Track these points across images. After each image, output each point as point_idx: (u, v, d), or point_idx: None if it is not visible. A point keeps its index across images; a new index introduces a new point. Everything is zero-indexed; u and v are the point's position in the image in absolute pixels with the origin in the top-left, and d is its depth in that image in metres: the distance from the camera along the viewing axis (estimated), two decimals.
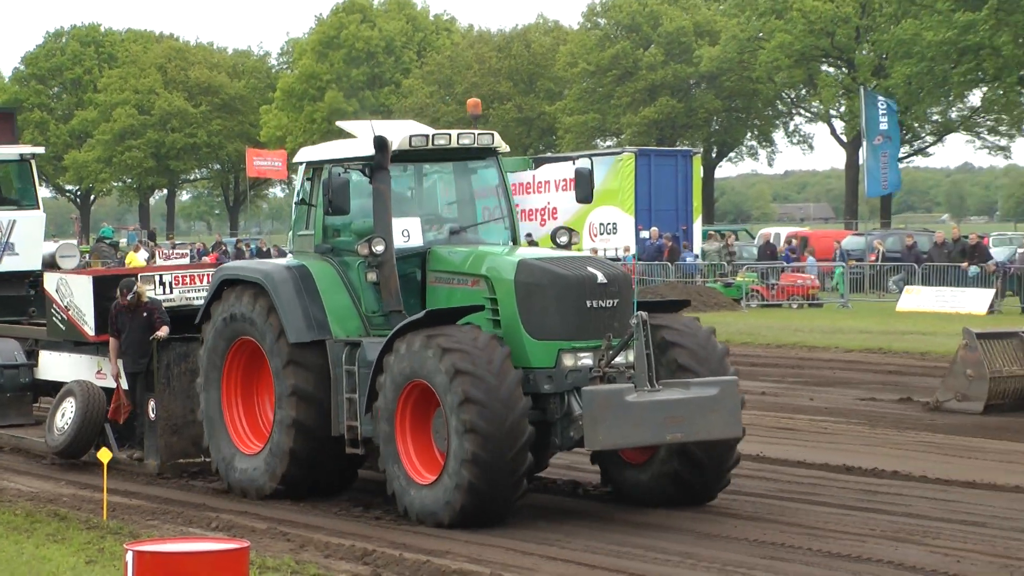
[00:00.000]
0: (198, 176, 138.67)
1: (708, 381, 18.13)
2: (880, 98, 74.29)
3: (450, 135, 19.86)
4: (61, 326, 24.08)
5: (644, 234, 59.56)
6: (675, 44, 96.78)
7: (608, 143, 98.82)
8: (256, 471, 20.15)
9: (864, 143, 77.11)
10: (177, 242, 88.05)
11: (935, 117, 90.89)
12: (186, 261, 67.68)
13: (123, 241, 69.84)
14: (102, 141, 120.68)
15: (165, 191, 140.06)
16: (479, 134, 20.01)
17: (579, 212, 69.52)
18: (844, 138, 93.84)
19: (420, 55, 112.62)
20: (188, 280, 23.81)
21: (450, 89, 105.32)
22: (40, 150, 31.60)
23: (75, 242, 54.03)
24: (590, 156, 73.63)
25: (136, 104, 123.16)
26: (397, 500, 18.30)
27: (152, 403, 22.13)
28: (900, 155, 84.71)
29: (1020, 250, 55.88)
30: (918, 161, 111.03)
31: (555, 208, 70.98)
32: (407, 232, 19.67)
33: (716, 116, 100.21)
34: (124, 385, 22.80)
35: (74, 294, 23.67)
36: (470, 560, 16.81)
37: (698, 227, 63.22)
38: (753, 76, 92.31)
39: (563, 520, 18.52)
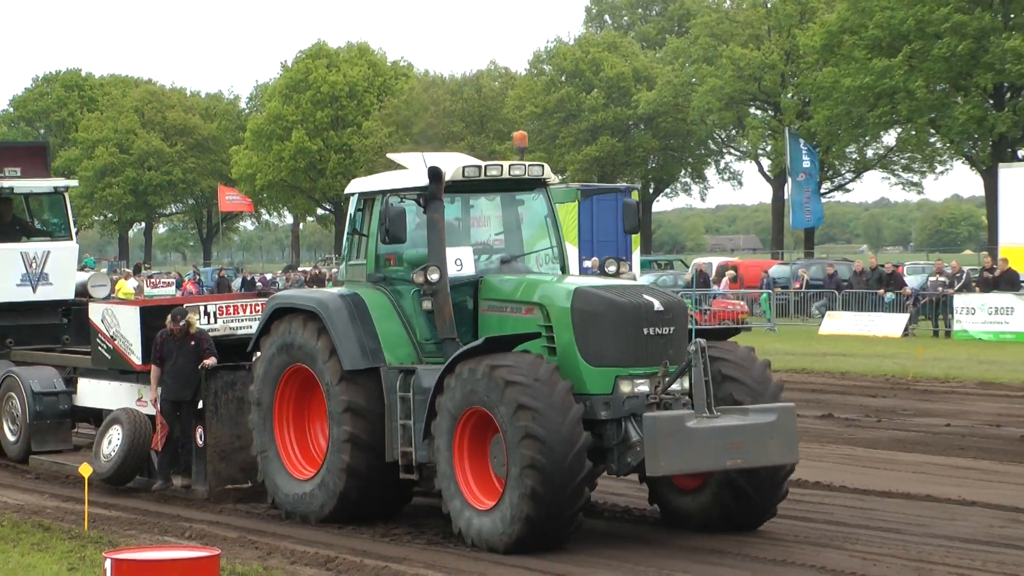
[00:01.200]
0: (174, 210, 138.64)
1: (765, 408, 17.30)
2: (802, 139, 74.63)
3: (502, 166, 19.09)
4: (107, 355, 23.12)
5: (586, 263, 59.66)
6: (615, 89, 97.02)
7: (554, 180, 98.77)
8: (309, 496, 19.15)
9: (789, 180, 77.53)
10: (153, 272, 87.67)
11: (853, 156, 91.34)
12: (172, 289, 67.54)
13: (103, 270, 69.40)
14: (84, 178, 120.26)
15: (143, 224, 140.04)
16: (530, 165, 19.29)
17: (527, 243, 69.80)
18: (770, 175, 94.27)
19: (380, 98, 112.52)
20: (232, 310, 22.96)
21: (408, 130, 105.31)
22: (74, 183, 30.59)
23: (106, 271, 53.81)
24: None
25: (116, 143, 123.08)
26: (452, 521, 17.38)
27: (200, 430, 21.21)
28: (822, 191, 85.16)
29: (932, 278, 56.11)
30: (838, 196, 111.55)
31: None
32: (460, 261, 18.76)
33: (653, 155, 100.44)
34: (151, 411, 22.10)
35: (120, 324, 22.78)
36: (425, 566, 16.83)
37: (637, 257, 63.30)
38: (687, 118, 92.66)
39: None
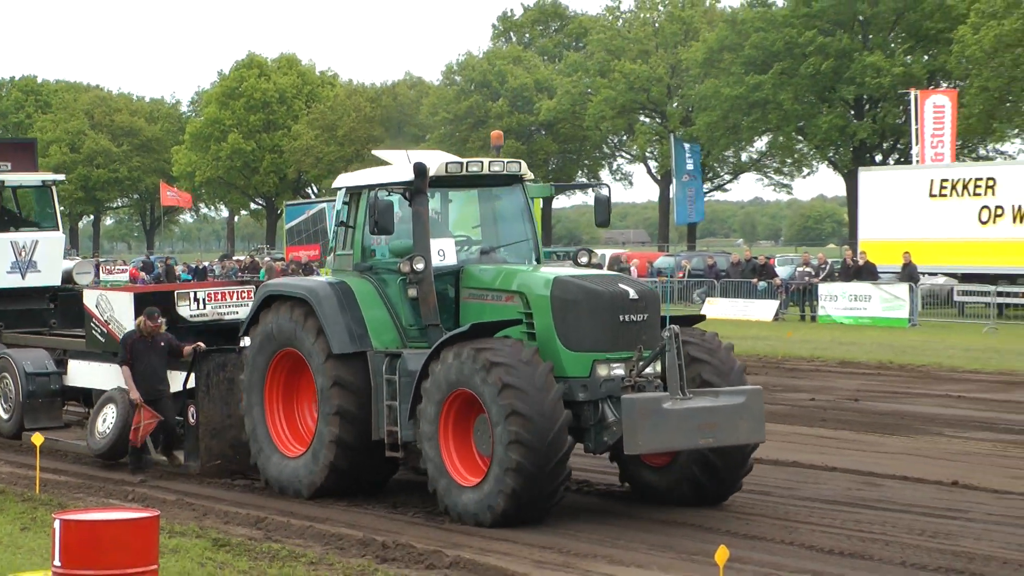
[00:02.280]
0: (120, 204, 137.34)
1: (735, 390, 16.75)
2: (686, 144, 75.01)
3: (482, 163, 18.39)
4: (100, 338, 22.42)
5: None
6: (519, 98, 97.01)
7: None
8: (298, 472, 18.48)
9: (673, 180, 78.05)
10: (101, 259, 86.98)
11: (731, 159, 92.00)
12: (125, 276, 66.96)
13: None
14: None
15: (92, 217, 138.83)
16: (508, 162, 18.61)
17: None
18: (657, 176, 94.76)
19: (308, 104, 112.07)
20: (220, 297, 22.21)
21: (332, 133, 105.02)
22: (61, 177, 30.00)
23: (91, 261, 53.07)
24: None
25: (68, 144, 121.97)
26: (438, 499, 16.77)
27: (192, 409, 20.44)
28: (703, 190, 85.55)
29: (799, 269, 56.51)
30: (717, 195, 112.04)
31: None
32: (442, 252, 18.08)
33: (553, 157, 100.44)
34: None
35: (115, 309, 22.08)
36: (346, 525, 16.81)
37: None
38: (583, 124, 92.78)
39: None
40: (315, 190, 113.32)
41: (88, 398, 23.75)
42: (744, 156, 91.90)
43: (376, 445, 17.80)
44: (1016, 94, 72.40)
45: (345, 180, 19.40)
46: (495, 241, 18.84)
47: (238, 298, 22.13)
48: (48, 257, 27.73)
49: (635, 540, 15.58)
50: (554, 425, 15.80)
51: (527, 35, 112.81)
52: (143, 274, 73.00)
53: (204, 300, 21.96)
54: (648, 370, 16.56)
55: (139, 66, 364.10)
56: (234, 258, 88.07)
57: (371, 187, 18.32)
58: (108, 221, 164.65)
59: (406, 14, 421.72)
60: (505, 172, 18.52)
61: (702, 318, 18.75)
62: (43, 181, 28.26)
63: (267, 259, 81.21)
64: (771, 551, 15.18)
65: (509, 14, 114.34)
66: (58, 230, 28.31)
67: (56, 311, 27.23)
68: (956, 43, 72.64)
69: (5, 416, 24.27)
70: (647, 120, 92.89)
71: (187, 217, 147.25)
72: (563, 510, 16.94)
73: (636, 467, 17.82)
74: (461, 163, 18.33)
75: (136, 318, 21.10)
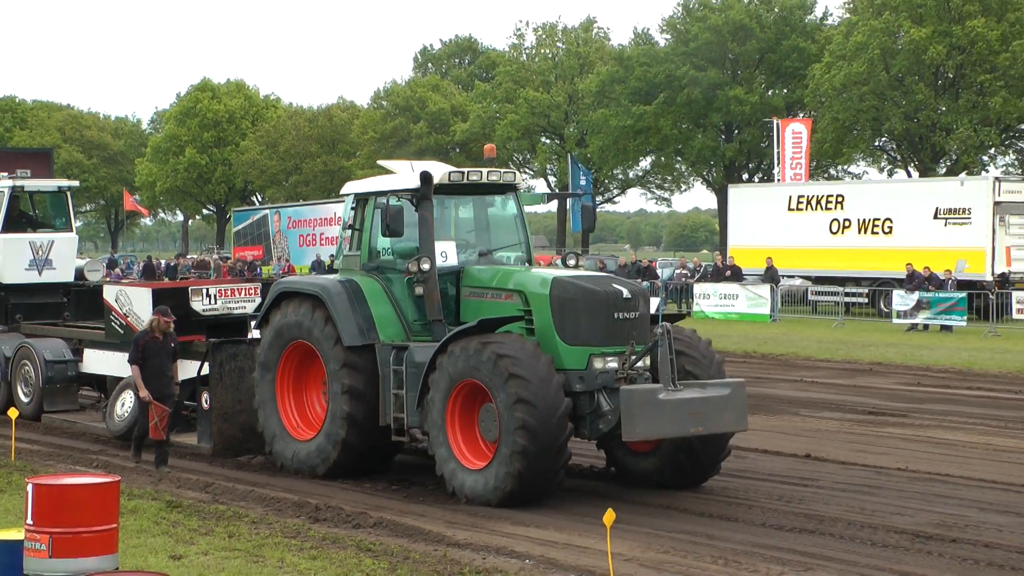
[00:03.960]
0: (88, 209, 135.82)
1: (721, 382, 16.14)
2: (579, 167, 75.24)
3: (481, 172, 17.54)
4: (120, 330, 21.61)
5: None
6: (437, 120, 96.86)
7: None
8: (311, 452, 17.60)
9: None
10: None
11: (619, 176, 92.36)
12: (100, 274, 65.95)
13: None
14: None
15: None
16: (504, 172, 17.75)
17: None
18: (556, 190, 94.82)
19: (253, 124, 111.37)
20: (230, 293, 21.54)
21: (275, 148, 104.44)
22: (75, 183, 28.84)
23: (100, 259, 51.96)
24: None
25: None
26: (446, 482, 16.01)
27: (206, 395, 19.53)
28: (595, 202, 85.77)
29: (677, 271, 56.79)
30: (608, 207, 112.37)
31: None
32: (445, 253, 17.40)
33: None
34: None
35: (133, 303, 21.35)
36: (284, 490, 16.74)
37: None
38: (493, 144, 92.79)
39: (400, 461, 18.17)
40: (259, 198, 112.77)
41: (102, 384, 23.17)
42: (631, 173, 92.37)
43: (383, 428, 17.09)
44: (862, 124, 73.33)
45: (353, 187, 18.71)
46: (492, 244, 18.17)
47: (246, 294, 21.54)
48: (63, 256, 27.03)
49: (537, 505, 15.55)
50: (556, 411, 15.23)
51: (444, 66, 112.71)
52: (116, 271, 72.03)
53: (215, 296, 21.30)
54: (638, 364, 15.93)
55: (106, 87, 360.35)
56: (188, 256, 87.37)
57: (379, 193, 17.78)
58: (77, 224, 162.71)
59: (340, 46, 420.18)
60: (501, 181, 17.82)
61: (684, 316, 17.78)
62: (59, 187, 27.65)
63: (215, 258, 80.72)
64: (652, 515, 15.25)
65: (429, 47, 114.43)
66: (72, 231, 27.56)
67: (69, 304, 26.61)
68: (810, 79, 73.65)
69: (26, 399, 23.55)
70: (547, 141, 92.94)
71: (147, 220, 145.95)
72: None
73: (621, 453, 17.21)
74: (463, 172, 17.65)
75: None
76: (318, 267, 63.90)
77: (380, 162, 20.20)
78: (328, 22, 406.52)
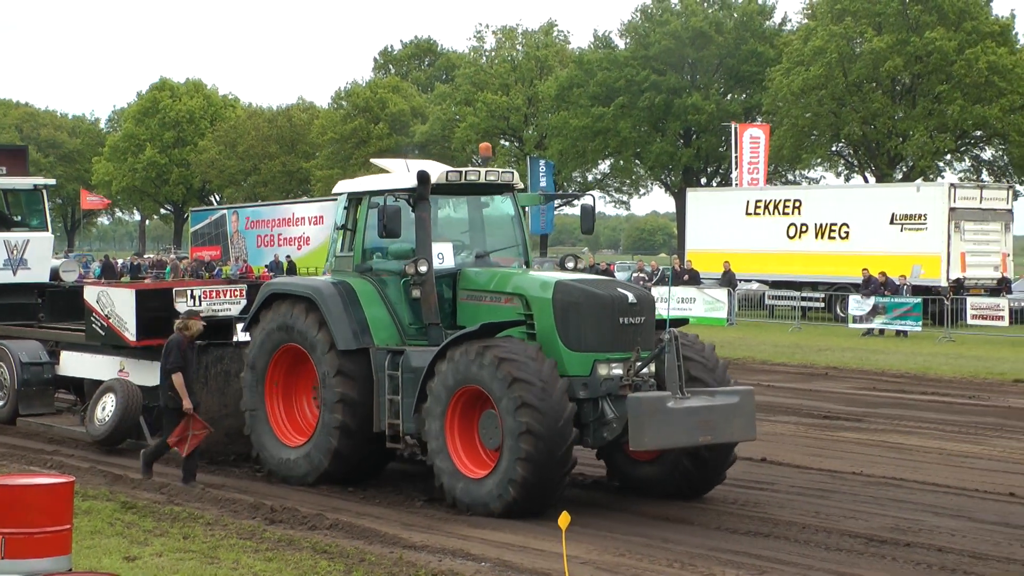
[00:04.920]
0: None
1: (730, 390, 15.55)
2: (540, 163, 75.25)
3: (479, 172, 16.94)
4: (101, 332, 20.64)
5: None
6: (397, 122, 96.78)
7: None
8: (300, 460, 17.01)
9: None
10: None
11: (578, 179, 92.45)
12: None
13: None
14: None
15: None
16: (502, 172, 17.14)
17: (326, 239, 68.99)
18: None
19: (212, 123, 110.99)
20: (216, 295, 20.74)
21: (234, 148, 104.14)
22: (52, 181, 28.02)
23: (76, 259, 50.97)
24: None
25: None
26: (446, 492, 15.38)
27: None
28: (554, 206, 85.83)
29: (635, 274, 56.90)
30: (567, 210, 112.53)
31: (308, 237, 70.40)
32: (441, 255, 16.79)
33: None
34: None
35: (115, 304, 20.38)
36: (240, 491, 16.66)
37: None
38: (451, 146, 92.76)
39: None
40: (217, 198, 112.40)
41: (79, 387, 22.41)
42: (589, 176, 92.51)
43: (375, 435, 16.53)
44: (820, 129, 73.75)
45: (346, 186, 18.04)
46: (481, 246, 17.45)
47: (231, 296, 20.90)
48: (38, 255, 26.33)
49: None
50: (561, 416, 14.65)
51: (404, 68, 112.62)
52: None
53: (200, 297, 20.62)
54: (643, 371, 15.37)
55: (64, 85, 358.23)
56: (144, 256, 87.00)
57: (374, 193, 17.17)
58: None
59: (300, 45, 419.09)
60: (499, 181, 17.19)
61: (686, 321, 17.29)
62: (35, 185, 26.99)
63: (172, 257, 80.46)
64: (608, 518, 15.24)
65: (389, 49, 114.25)
66: (47, 230, 26.87)
67: (44, 305, 25.83)
68: (769, 84, 74.03)
69: (1, 402, 22.93)
70: (507, 144, 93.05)
71: (104, 219, 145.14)
72: (432, 485, 16.87)
73: (622, 463, 16.70)
74: (460, 172, 17.02)
75: (137, 311, 19.93)
76: (276, 267, 63.72)
77: (374, 160, 19.57)
78: (288, 22, 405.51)
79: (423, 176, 16.51)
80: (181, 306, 20.25)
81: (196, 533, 14.12)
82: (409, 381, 15.94)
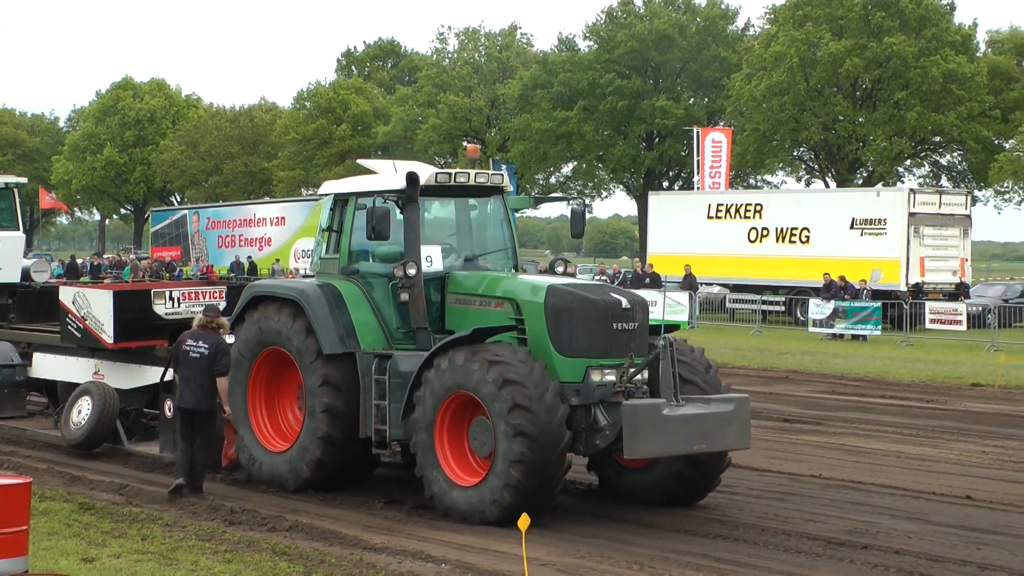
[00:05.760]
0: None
1: (725, 397, 15.30)
2: (503, 166, 75.31)
3: (469, 174, 16.61)
4: (76, 334, 20.10)
5: None
6: (359, 123, 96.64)
7: (310, 192, 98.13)
8: (283, 466, 16.64)
9: None
10: None
11: (541, 181, 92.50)
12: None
13: None
14: None
15: None
16: (492, 174, 16.92)
17: (288, 240, 68.90)
18: None
19: (174, 123, 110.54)
20: (193, 296, 20.28)
21: (196, 148, 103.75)
22: (23, 180, 27.24)
23: (47, 259, 50.10)
24: (299, 200, 73.33)
25: None
26: (437, 502, 15.03)
27: (169, 402, 17.96)
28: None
29: (597, 277, 56.92)
30: (529, 212, 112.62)
31: (269, 238, 70.19)
32: (430, 258, 16.46)
33: None
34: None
35: (92, 306, 19.82)
36: (194, 491, 16.54)
37: None
38: (414, 148, 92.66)
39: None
40: (178, 198, 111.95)
41: (52, 389, 21.92)
42: (552, 179, 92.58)
43: (360, 442, 16.19)
44: (782, 134, 74.10)
45: (333, 187, 17.62)
46: (477, 249, 17.10)
47: (210, 298, 20.41)
48: (9, 256, 25.72)
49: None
50: (555, 417, 14.34)
51: (367, 69, 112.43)
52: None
53: (179, 299, 20.19)
54: (636, 377, 15.07)
55: (22, 83, 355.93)
56: (104, 256, 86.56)
57: (361, 194, 16.86)
58: None
59: (264, 46, 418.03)
60: (489, 183, 16.92)
61: (677, 327, 17.01)
62: (6, 183, 26.33)
63: (132, 257, 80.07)
64: (568, 519, 15.23)
65: (352, 50, 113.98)
66: (19, 230, 26.27)
67: (15, 306, 25.21)
68: (730, 90, 74.37)
69: None
70: (469, 146, 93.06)
71: (63, 219, 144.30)
72: (392, 487, 16.84)
73: (612, 472, 16.46)
74: (449, 173, 16.66)
75: (114, 313, 19.40)
76: (237, 268, 63.52)
77: (361, 161, 19.18)
78: (252, 22, 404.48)
79: (412, 177, 16.21)
80: (159, 308, 19.86)
81: (155, 534, 14.06)
82: (397, 386, 15.62)
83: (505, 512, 14.37)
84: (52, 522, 14.47)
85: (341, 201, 17.16)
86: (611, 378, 14.99)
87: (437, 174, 16.55)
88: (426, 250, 16.43)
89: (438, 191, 16.80)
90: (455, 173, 16.70)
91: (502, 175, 17.25)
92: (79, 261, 74.15)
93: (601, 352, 15.08)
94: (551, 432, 14.32)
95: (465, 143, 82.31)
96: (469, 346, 14.90)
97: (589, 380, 14.96)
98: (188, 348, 16.37)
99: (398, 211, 16.36)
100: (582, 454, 15.52)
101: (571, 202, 18.22)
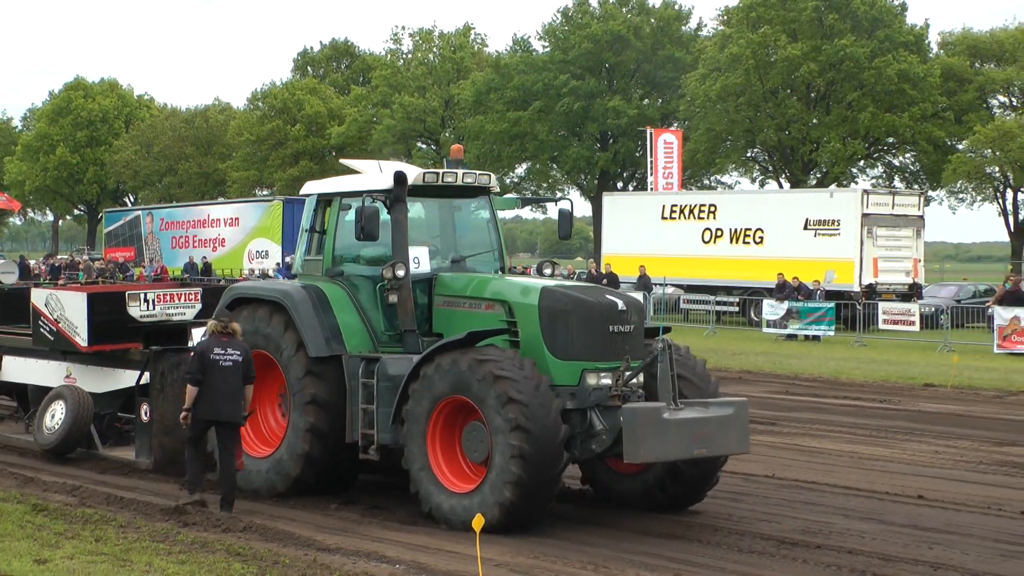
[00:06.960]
0: None
1: (724, 401, 15.05)
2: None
3: (456, 174, 16.32)
4: (49, 336, 19.57)
5: (288, 259, 59.04)
6: (313, 123, 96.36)
7: (264, 192, 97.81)
8: (269, 468, 16.27)
9: None
10: None
11: (495, 182, 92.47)
12: None
13: None
14: None
15: None
16: (479, 174, 16.64)
17: (241, 241, 68.71)
18: None
19: (127, 124, 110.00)
20: (169, 298, 19.84)
21: (150, 149, 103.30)
22: None
23: (14, 261, 49.32)
24: (249, 202, 73.06)
25: None
26: (423, 501, 14.77)
27: (145, 407, 17.96)
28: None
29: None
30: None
31: (223, 239, 69.98)
32: (417, 259, 16.18)
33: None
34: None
35: (65, 308, 19.30)
36: (151, 493, 16.52)
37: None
38: (368, 148, 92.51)
39: None
40: (132, 199, 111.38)
41: (23, 394, 21.45)
42: (507, 180, 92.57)
43: (347, 446, 15.83)
44: (736, 135, 74.42)
45: (316, 187, 17.21)
46: (452, 250, 16.85)
47: (186, 299, 20.10)
48: None
49: (407, 511, 15.50)
50: (555, 440, 14.02)
51: (322, 69, 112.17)
52: None
53: (154, 301, 19.75)
54: (632, 381, 14.85)
55: None
56: (58, 256, 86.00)
57: (346, 195, 16.50)
58: None
59: (217, 46, 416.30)
60: (476, 184, 16.65)
61: (668, 329, 16.37)
62: None
63: (85, 258, 79.60)
64: (539, 525, 15.19)
65: (308, 50, 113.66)
66: None
67: None
68: (685, 90, 74.62)
69: None
70: (423, 146, 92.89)
71: (16, 220, 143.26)
72: (347, 488, 16.79)
73: (606, 477, 16.16)
74: (437, 173, 16.37)
75: (89, 316, 18.93)
76: (191, 269, 63.25)
77: (344, 161, 18.74)
78: (205, 22, 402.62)
79: (400, 177, 15.88)
80: (134, 310, 19.47)
81: (108, 536, 14.00)
82: (386, 390, 15.28)
83: (508, 512, 14.12)
84: (4, 523, 14.39)
85: (324, 202, 16.82)
86: (607, 381, 14.72)
87: (425, 174, 16.27)
88: (414, 251, 16.17)
89: (425, 191, 16.50)
90: (443, 173, 16.45)
91: (489, 175, 17.01)
92: (31, 262, 73.65)
93: (597, 355, 14.80)
94: (549, 456, 14.03)
95: (453, 146, 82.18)
96: (469, 351, 14.57)
97: (584, 384, 14.69)
98: (218, 357, 15.39)
99: (385, 211, 16.01)
100: (576, 460, 15.15)
101: (557, 203, 17.96)
